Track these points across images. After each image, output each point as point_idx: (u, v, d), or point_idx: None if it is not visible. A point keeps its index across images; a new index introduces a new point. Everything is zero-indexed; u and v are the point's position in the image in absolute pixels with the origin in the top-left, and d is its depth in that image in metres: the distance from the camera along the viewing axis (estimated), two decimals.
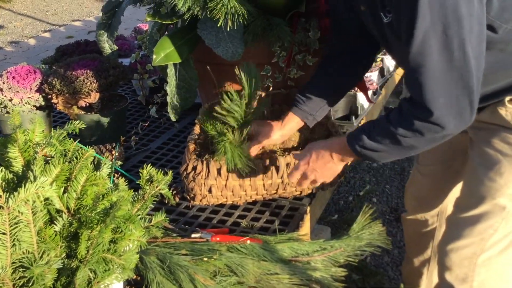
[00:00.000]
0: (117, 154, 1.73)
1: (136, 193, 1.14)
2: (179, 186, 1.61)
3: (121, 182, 1.14)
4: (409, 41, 1.09)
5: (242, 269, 1.23)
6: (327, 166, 1.37)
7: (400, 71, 2.62)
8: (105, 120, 1.86)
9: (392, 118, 1.22)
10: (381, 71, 2.38)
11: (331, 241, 1.36)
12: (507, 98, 1.29)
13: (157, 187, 1.12)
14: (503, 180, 1.32)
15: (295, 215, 1.53)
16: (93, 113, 1.85)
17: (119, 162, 1.53)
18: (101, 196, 0.98)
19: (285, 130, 1.52)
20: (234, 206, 1.56)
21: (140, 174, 1.10)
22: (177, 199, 1.58)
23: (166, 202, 1.16)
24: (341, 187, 2.75)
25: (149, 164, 1.70)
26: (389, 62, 2.44)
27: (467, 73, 1.11)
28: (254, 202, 1.57)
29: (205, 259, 1.21)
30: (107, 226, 0.93)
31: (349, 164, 1.44)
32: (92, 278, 1.00)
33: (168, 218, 1.16)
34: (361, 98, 2.04)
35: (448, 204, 1.66)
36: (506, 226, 1.34)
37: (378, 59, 2.21)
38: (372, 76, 2.21)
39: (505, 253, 1.36)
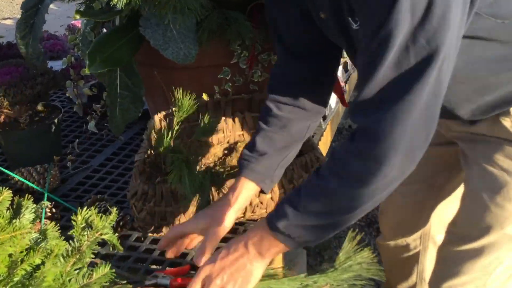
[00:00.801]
0: (50, 178, 1.46)
1: (70, 242, 0.89)
2: (127, 214, 1.36)
3: (50, 227, 0.89)
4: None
5: None
6: (239, 263, 0.96)
7: None
8: (35, 137, 1.58)
9: (324, 166, 0.96)
10: (345, 65, 2.18)
11: (314, 276, 1.14)
12: None
13: (98, 233, 0.87)
14: None
15: None
16: (20, 129, 1.57)
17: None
18: (19, 260, 0.73)
19: (240, 203, 1.12)
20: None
21: (73, 222, 0.84)
22: (126, 230, 1.33)
23: (111, 249, 0.92)
24: None
25: (88, 187, 1.50)
26: None
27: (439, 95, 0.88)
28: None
29: None
30: None
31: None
32: None
33: (114, 270, 0.91)
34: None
35: (432, 224, 1.47)
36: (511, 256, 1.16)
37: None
38: (338, 72, 2.01)
39: (509, 284, 1.19)
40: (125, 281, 1.09)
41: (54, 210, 1.30)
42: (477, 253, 1.17)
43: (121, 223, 1.32)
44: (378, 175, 0.87)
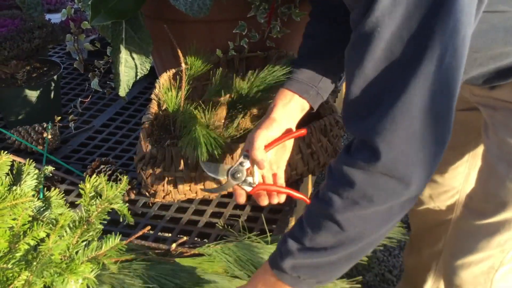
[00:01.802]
0: (50, 137, 1.37)
1: (77, 211, 0.80)
2: (134, 178, 1.27)
3: (54, 194, 0.81)
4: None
5: None
6: None
7: None
8: (33, 94, 1.48)
9: (322, 188, 0.81)
10: None
11: None
12: None
13: (107, 203, 0.79)
14: None
15: (282, 208, 1.23)
16: (17, 86, 1.46)
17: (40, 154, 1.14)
18: (21, 233, 0.64)
19: (279, 121, 1.00)
20: (205, 201, 1.25)
21: (81, 191, 0.76)
22: (133, 195, 1.25)
23: (121, 220, 0.84)
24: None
25: (91, 149, 1.41)
26: None
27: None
28: (230, 194, 1.26)
29: None
30: (31, 285, 0.60)
31: None
32: None
33: (124, 242, 0.84)
34: None
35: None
36: None
37: None
38: None
39: None
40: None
41: (54, 172, 1.21)
42: (493, 229, 1.10)
43: (127, 188, 1.24)
44: (390, 191, 0.74)
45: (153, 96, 1.22)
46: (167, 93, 1.19)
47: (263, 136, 0.99)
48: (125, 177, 0.82)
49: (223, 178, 1.06)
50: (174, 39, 1.16)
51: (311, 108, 1.05)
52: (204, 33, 1.24)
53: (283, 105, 1.02)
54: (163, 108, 1.24)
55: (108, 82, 1.62)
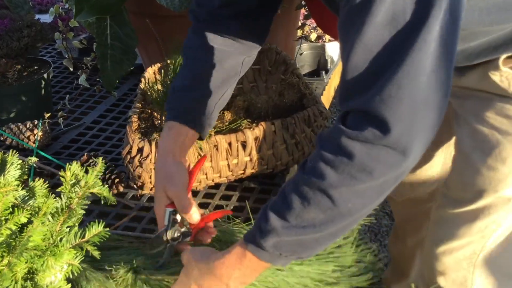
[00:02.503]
0: (40, 134, 1.39)
1: (59, 199, 0.83)
2: (122, 171, 1.30)
3: (38, 184, 0.83)
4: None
5: None
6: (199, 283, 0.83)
7: None
8: (24, 93, 1.50)
9: (312, 159, 0.75)
10: None
11: None
12: (503, 58, 0.97)
13: (87, 188, 0.81)
14: (507, 168, 1.03)
15: (268, 198, 1.26)
16: (7, 84, 1.49)
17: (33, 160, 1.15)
18: (3, 219, 0.67)
19: (180, 166, 0.96)
20: (192, 193, 1.26)
21: (62, 178, 0.78)
22: (121, 188, 1.28)
23: (102, 202, 0.86)
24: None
25: (81, 145, 1.44)
26: None
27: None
28: (217, 186, 1.29)
29: None
30: (11, 267, 0.62)
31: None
32: None
33: (108, 228, 0.86)
34: (330, 49, 1.76)
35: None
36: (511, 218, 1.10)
37: None
38: None
39: (510, 247, 1.13)
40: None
41: (44, 167, 1.24)
42: (473, 216, 1.09)
43: (116, 181, 1.27)
44: (391, 164, 0.71)
45: (138, 90, 1.25)
46: (152, 87, 1.21)
47: (183, 194, 0.94)
48: (100, 158, 0.84)
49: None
50: (158, 34, 1.18)
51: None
52: (188, 27, 1.26)
53: (174, 141, 0.97)
54: (150, 102, 1.27)
55: (97, 79, 1.65)
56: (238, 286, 0.82)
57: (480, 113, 1.04)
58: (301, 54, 1.67)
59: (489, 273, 1.15)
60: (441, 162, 1.37)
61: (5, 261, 0.67)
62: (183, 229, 0.95)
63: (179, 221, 0.94)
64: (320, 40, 1.76)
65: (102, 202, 0.89)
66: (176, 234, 0.94)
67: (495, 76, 1.00)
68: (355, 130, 0.71)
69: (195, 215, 0.93)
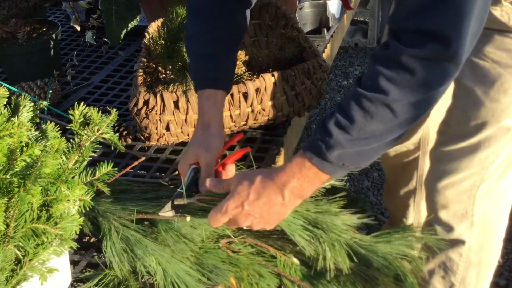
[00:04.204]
0: (51, 91, 1.45)
1: (71, 140, 0.89)
2: (130, 125, 1.36)
3: (50, 127, 0.89)
4: None
5: None
6: (272, 211, 0.88)
7: None
8: (34, 52, 1.55)
9: (370, 77, 0.81)
10: None
11: None
12: None
13: (97, 131, 0.87)
14: (508, 98, 1.10)
15: (269, 148, 1.31)
16: (18, 44, 1.54)
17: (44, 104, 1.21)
18: (18, 150, 0.73)
19: (219, 120, 1.04)
20: None
21: (71, 117, 0.84)
22: (129, 141, 1.33)
23: (112, 148, 0.92)
24: None
25: (91, 102, 1.50)
26: None
27: None
28: None
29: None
30: (27, 190, 0.68)
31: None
32: (22, 257, 0.76)
33: (116, 168, 0.92)
34: (331, 6, 1.78)
35: (430, 128, 1.45)
36: (508, 147, 1.15)
37: None
38: None
39: (505, 176, 1.18)
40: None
41: (56, 120, 1.29)
42: (474, 148, 1.16)
43: (124, 133, 1.32)
44: (447, 75, 0.79)
45: (142, 45, 1.29)
46: (156, 42, 1.26)
47: (212, 162, 1.01)
48: (114, 109, 0.89)
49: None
50: None
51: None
52: None
53: (216, 110, 1.05)
54: (154, 56, 1.31)
55: (104, 40, 1.69)
56: (292, 200, 0.88)
57: (481, 49, 1.09)
58: (300, 9, 1.69)
59: (488, 203, 1.21)
60: None
61: (22, 188, 0.73)
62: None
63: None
64: None
65: (112, 147, 0.95)
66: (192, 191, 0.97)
67: (495, 11, 1.05)
68: (415, 48, 0.77)
69: (206, 185, 0.95)
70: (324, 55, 1.72)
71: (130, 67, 1.73)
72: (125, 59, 1.76)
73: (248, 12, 1.12)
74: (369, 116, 0.80)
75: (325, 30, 1.76)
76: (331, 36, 1.79)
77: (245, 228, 0.93)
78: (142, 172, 1.25)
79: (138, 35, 1.67)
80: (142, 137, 1.28)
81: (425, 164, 1.48)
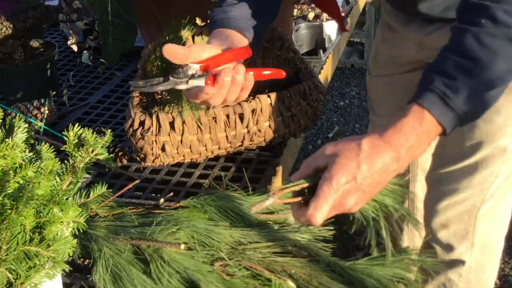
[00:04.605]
0: (47, 111, 1.45)
1: (65, 162, 0.88)
2: (126, 146, 1.35)
3: (45, 148, 0.88)
4: None
5: (213, 238, 1.00)
6: (382, 179, 0.77)
7: (362, 1, 2.38)
8: (30, 73, 1.56)
9: (478, 13, 0.77)
10: None
11: None
12: None
13: (92, 152, 0.86)
14: (502, 118, 1.11)
15: (265, 168, 1.31)
16: (15, 65, 1.55)
17: (40, 125, 1.22)
18: (11, 172, 0.72)
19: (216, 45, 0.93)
20: (193, 164, 1.33)
21: (65, 138, 0.84)
22: (125, 161, 1.33)
23: (107, 169, 0.91)
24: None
25: (87, 123, 1.50)
26: None
27: None
28: (217, 158, 1.34)
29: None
30: (19, 212, 0.68)
31: None
32: (13, 280, 0.75)
33: (111, 189, 0.92)
34: (327, 28, 1.80)
35: None
36: (507, 168, 1.15)
37: None
38: (338, 1, 1.96)
39: (505, 197, 1.19)
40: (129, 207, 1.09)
41: (51, 141, 1.29)
42: (472, 169, 1.16)
43: (120, 154, 1.32)
44: None
45: (139, 66, 1.30)
46: (152, 63, 1.26)
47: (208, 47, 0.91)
48: (109, 130, 0.89)
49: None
50: (157, 10, 1.23)
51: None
52: (188, 3, 1.31)
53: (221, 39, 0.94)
54: (150, 77, 1.31)
55: (101, 61, 1.70)
56: (406, 162, 0.78)
57: None
58: (296, 30, 1.71)
59: (489, 224, 1.21)
60: None
61: (13, 211, 0.72)
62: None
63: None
64: (317, 20, 1.80)
65: (107, 169, 0.94)
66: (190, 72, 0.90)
67: None
68: None
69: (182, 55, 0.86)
70: (321, 76, 1.73)
71: (127, 88, 1.73)
72: (122, 80, 1.77)
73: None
74: (492, 53, 0.76)
75: (321, 51, 1.77)
76: (327, 57, 1.80)
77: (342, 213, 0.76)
78: (138, 193, 1.24)
79: (135, 55, 1.68)
80: (137, 158, 1.27)
81: (416, 187, 1.48)
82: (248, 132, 1.27)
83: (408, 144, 0.76)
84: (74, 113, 1.59)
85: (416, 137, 0.76)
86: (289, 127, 1.32)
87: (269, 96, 1.26)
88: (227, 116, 1.23)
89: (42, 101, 1.48)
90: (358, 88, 3.04)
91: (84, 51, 1.48)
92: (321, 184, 0.74)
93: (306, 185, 0.77)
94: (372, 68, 1.48)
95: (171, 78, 0.91)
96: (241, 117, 1.24)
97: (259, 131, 1.28)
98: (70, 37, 1.55)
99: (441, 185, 1.23)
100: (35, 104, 1.47)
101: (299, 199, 0.78)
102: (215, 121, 1.24)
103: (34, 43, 1.53)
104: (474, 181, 1.17)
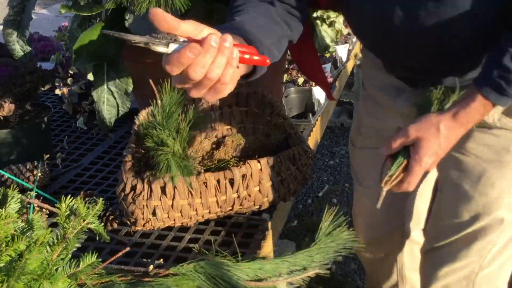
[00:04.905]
0: (40, 174, 1.46)
1: (56, 232, 0.89)
2: (116, 209, 1.36)
3: (37, 218, 0.89)
4: None
5: None
6: (450, 147, 1.03)
7: (350, 64, 2.46)
8: (25, 136, 1.58)
9: None
10: (334, 62, 2.20)
11: (298, 254, 1.15)
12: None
13: (83, 221, 0.87)
14: (496, 191, 1.14)
15: (255, 233, 1.32)
16: (9, 127, 1.57)
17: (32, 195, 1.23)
18: (3, 244, 0.73)
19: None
20: (183, 228, 1.33)
21: (57, 210, 0.85)
22: (115, 225, 1.33)
23: (97, 238, 0.92)
24: None
25: (79, 184, 1.51)
26: (342, 52, 2.27)
27: None
28: (207, 222, 1.35)
29: None
30: (11, 287, 0.68)
31: None
32: None
33: (100, 259, 0.92)
34: (317, 93, 1.85)
35: (405, 221, 1.48)
36: (505, 237, 1.17)
37: (331, 50, 2.04)
38: (326, 68, 2.03)
39: (505, 268, 1.20)
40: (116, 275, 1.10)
41: (43, 205, 1.30)
42: (470, 239, 1.18)
43: (110, 218, 1.33)
44: None
45: (132, 131, 1.33)
46: (145, 128, 1.29)
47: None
48: (100, 199, 0.91)
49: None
50: (152, 78, 1.27)
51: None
52: None
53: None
54: (143, 143, 1.34)
55: (95, 122, 1.73)
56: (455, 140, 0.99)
57: (462, 145, 1.13)
58: (286, 97, 1.76)
59: None
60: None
61: (5, 285, 0.72)
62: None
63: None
64: (307, 84, 1.85)
65: (97, 238, 0.95)
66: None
67: None
68: None
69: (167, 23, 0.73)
70: (310, 139, 1.77)
71: (120, 149, 1.76)
72: (115, 141, 1.79)
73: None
74: None
75: (310, 115, 1.81)
76: (317, 119, 1.85)
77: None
78: (127, 259, 1.24)
79: (128, 118, 1.71)
80: (128, 221, 1.28)
81: (403, 256, 1.49)
82: (238, 197, 1.28)
83: (474, 121, 0.99)
84: (67, 174, 1.61)
85: (480, 116, 0.98)
86: (278, 191, 1.34)
87: (259, 162, 1.28)
88: (218, 181, 1.25)
89: (35, 164, 1.49)
90: (347, 147, 3.08)
91: (79, 116, 1.51)
92: (413, 166, 1.00)
93: (404, 165, 1.03)
94: (356, 140, 1.50)
95: (148, 36, 0.77)
96: (231, 182, 1.26)
97: (249, 195, 1.30)
98: (66, 101, 1.58)
99: (438, 254, 1.25)
100: (28, 167, 1.48)
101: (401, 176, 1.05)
102: (206, 186, 1.26)
103: (29, 106, 1.56)
104: (473, 250, 1.18)
